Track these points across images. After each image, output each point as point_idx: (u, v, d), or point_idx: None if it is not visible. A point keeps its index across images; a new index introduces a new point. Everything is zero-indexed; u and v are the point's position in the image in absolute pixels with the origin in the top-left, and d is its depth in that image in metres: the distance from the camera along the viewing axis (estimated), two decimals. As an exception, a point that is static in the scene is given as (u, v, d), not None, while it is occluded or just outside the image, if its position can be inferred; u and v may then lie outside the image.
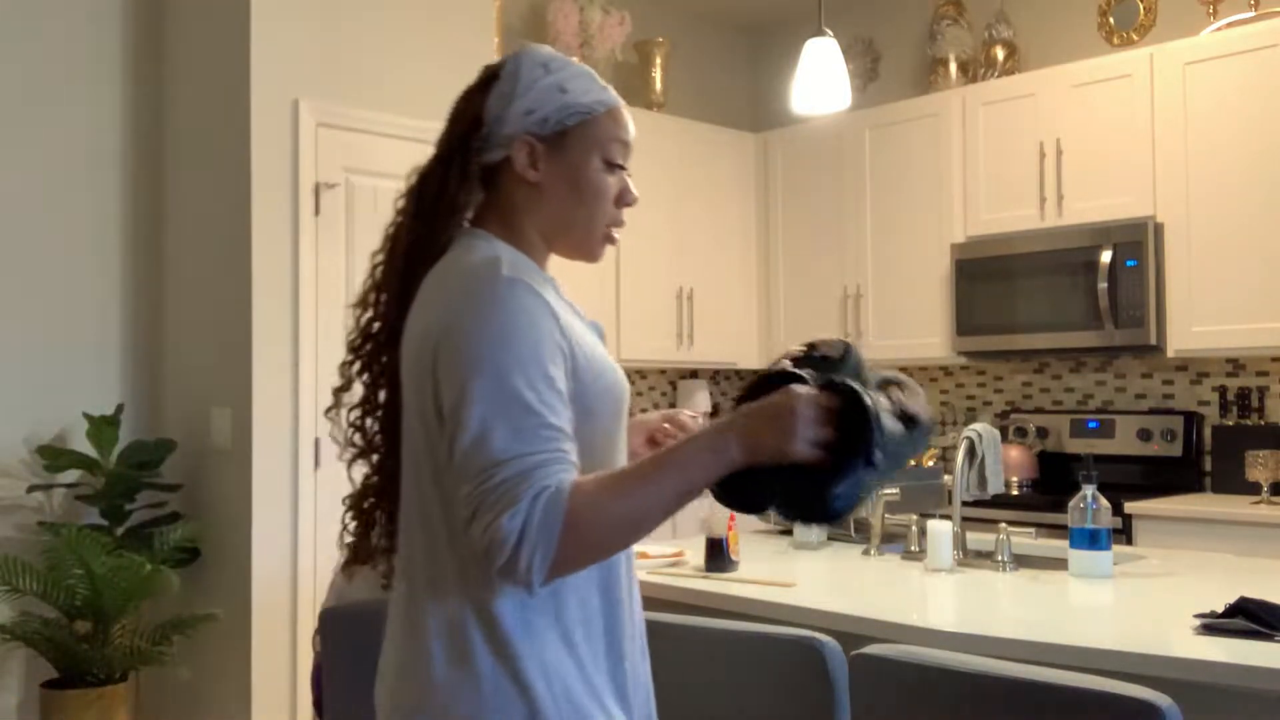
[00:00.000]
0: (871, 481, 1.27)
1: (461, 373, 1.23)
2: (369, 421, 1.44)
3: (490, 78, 1.43)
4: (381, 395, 1.43)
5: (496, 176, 1.42)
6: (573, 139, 1.40)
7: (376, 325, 1.44)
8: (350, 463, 1.45)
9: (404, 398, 1.36)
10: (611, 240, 1.46)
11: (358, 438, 1.45)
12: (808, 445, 1.25)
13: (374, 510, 1.45)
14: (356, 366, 1.44)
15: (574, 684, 1.28)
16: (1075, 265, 4.21)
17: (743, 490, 1.32)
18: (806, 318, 5.20)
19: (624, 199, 1.45)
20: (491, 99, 1.41)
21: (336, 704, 2.38)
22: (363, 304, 1.47)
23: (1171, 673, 1.67)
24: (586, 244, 1.45)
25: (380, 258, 1.47)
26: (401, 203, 1.46)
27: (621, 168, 1.44)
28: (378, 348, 1.43)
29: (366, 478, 1.46)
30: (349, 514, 1.47)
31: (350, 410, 1.45)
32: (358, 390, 1.45)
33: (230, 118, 3.65)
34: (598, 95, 1.42)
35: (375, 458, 1.44)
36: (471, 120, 1.42)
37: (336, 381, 1.46)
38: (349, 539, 1.47)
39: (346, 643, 2.36)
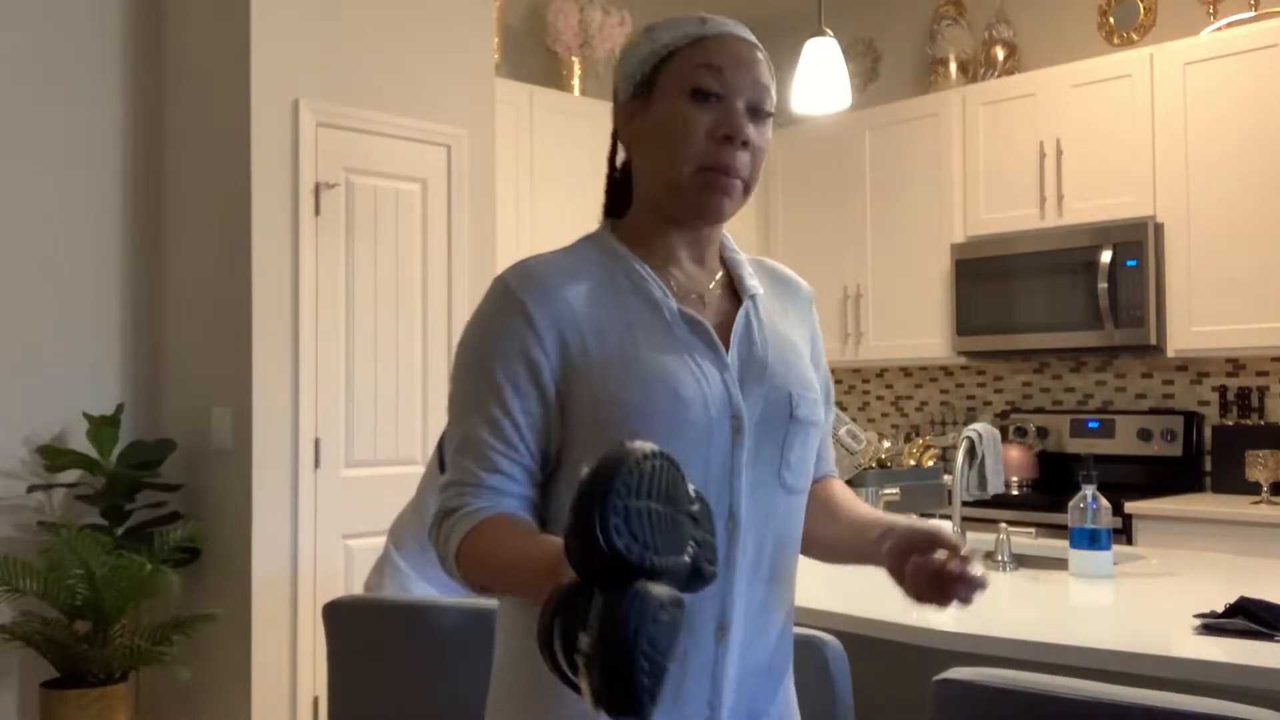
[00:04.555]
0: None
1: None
2: None
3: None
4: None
5: (616, 155, 1.36)
6: (658, 87, 1.27)
7: None
8: None
9: None
10: (716, 187, 1.25)
11: None
12: None
13: None
14: None
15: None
16: (1075, 265, 4.21)
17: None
18: (806, 318, 5.19)
19: (718, 130, 1.24)
20: (617, 74, 1.33)
21: (342, 696, 2.39)
22: None
23: (1171, 673, 1.67)
24: (679, 193, 1.26)
25: None
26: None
27: (715, 96, 1.24)
28: None
29: None
30: None
31: None
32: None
33: (230, 118, 3.65)
34: (683, 31, 1.28)
35: None
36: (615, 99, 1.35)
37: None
38: None
39: (354, 636, 2.37)
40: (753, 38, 1.32)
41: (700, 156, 1.24)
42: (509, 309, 1.24)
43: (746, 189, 1.28)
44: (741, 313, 1.31)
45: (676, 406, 1.21)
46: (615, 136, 1.35)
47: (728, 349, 1.28)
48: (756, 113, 1.27)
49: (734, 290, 1.35)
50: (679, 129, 1.25)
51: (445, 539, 1.19)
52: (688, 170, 1.25)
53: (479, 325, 1.26)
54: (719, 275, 1.35)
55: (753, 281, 1.35)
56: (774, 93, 1.31)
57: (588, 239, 1.34)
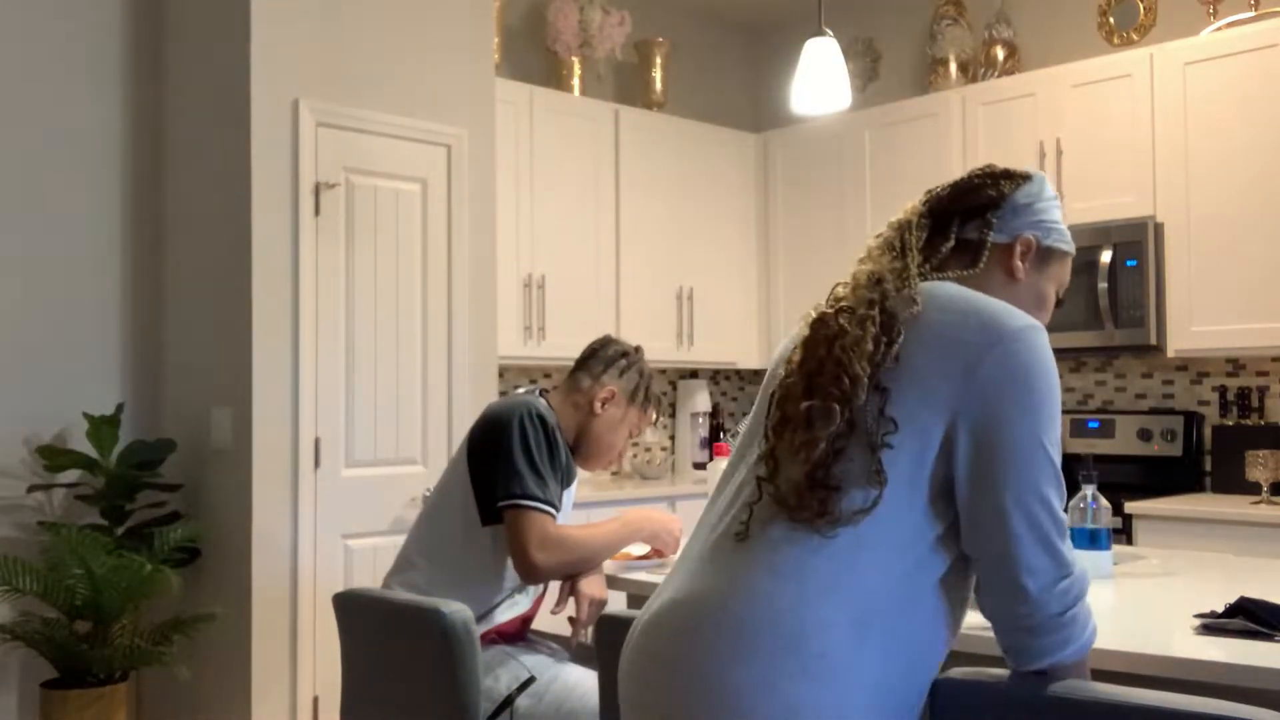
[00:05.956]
0: None
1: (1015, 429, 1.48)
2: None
3: (1020, 177, 1.67)
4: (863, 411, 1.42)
5: (985, 256, 1.60)
6: (1051, 261, 1.65)
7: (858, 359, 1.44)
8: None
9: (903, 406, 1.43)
10: None
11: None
12: None
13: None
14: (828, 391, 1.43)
15: None
16: (1075, 265, 4.17)
17: None
18: (806, 318, 5.19)
19: None
20: (1020, 193, 1.64)
21: (355, 686, 2.40)
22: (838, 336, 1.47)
23: (1171, 673, 1.67)
24: None
25: (849, 298, 1.50)
26: (877, 246, 1.57)
27: (1058, 305, 1.67)
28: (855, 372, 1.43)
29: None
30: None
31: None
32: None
33: (230, 118, 3.65)
34: (1071, 241, 1.68)
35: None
36: (992, 199, 1.63)
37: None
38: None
39: (362, 627, 2.38)
40: None
41: None
42: None
43: None
44: None
45: None
46: (996, 206, 1.64)
47: None
48: None
49: None
50: (1043, 316, 1.64)
51: (1085, 621, 1.41)
52: None
53: (1055, 385, 1.54)
54: None
55: None
56: None
57: None
